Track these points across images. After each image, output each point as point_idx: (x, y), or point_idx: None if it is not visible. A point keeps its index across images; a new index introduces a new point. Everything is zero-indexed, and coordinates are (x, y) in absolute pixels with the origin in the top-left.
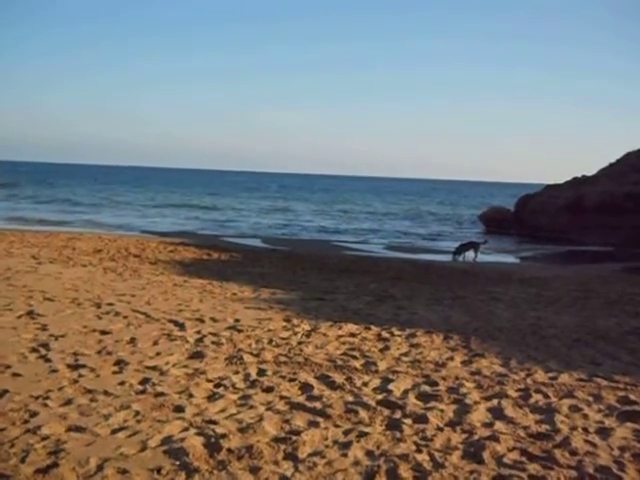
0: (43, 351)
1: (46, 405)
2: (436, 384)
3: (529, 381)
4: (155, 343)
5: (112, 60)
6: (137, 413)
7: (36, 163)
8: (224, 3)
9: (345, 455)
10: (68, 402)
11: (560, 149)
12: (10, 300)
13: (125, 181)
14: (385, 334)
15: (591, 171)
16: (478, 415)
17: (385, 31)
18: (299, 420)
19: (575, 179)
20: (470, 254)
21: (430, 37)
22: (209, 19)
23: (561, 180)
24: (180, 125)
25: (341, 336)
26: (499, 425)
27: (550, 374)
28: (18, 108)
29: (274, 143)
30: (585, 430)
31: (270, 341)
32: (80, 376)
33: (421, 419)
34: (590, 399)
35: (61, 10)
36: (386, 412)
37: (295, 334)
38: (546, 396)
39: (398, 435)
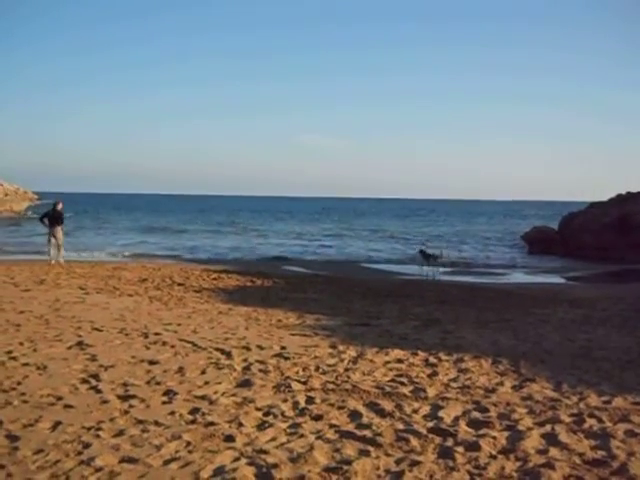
0: (93, 382)
1: (99, 436)
2: (487, 410)
3: (582, 405)
4: (203, 372)
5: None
6: (188, 443)
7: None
8: (271, 34)
9: None
10: (120, 433)
11: (602, 165)
12: (60, 331)
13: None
14: (432, 359)
15: (634, 187)
16: (532, 442)
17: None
18: (349, 449)
19: (619, 196)
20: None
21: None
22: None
23: (604, 198)
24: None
25: (388, 362)
26: (554, 452)
27: (603, 398)
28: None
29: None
30: None
31: (317, 368)
32: (131, 407)
33: (473, 447)
34: None
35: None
36: (437, 440)
37: (342, 361)
38: (600, 421)
39: (451, 464)
